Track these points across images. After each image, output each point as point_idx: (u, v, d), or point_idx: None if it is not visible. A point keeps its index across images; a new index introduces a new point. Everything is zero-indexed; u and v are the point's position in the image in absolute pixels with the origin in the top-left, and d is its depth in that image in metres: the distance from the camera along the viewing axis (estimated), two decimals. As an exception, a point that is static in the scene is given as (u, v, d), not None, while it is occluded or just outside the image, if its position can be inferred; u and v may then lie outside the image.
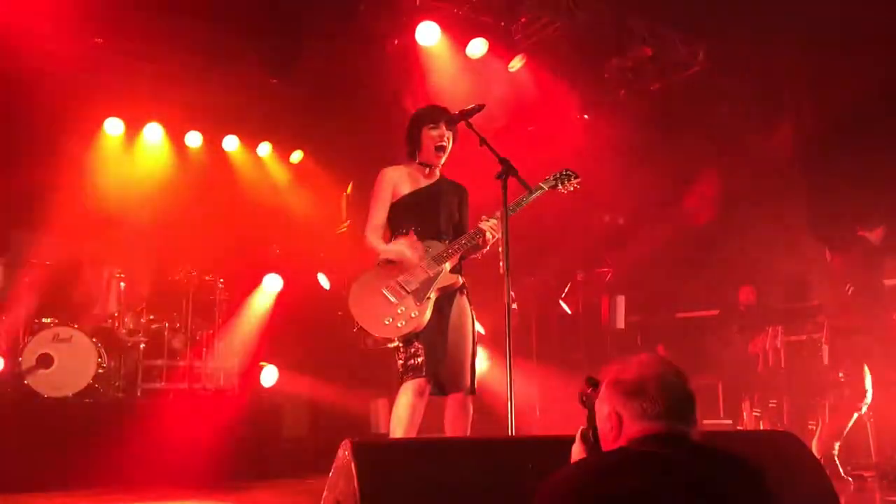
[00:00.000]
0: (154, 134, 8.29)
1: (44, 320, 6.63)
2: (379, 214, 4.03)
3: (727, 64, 7.64)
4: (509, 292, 3.43)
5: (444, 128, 4.02)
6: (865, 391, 5.98)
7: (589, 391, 2.01)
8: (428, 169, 4.11)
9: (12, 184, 7.19)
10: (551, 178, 4.04)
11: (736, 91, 7.86)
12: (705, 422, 7.60)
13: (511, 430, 3.28)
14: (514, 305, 6.90)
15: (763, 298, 7.68)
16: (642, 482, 1.66)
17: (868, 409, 6.21)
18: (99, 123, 8.01)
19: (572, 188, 4.07)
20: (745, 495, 1.73)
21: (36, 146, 7.30)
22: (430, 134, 4.03)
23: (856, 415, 6.00)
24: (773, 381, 7.19)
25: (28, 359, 6.25)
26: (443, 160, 4.09)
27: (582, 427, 2.03)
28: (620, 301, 8.26)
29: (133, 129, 8.21)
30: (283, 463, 6.48)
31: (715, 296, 8.13)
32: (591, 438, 1.98)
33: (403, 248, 3.88)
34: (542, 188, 3.98)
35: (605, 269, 8.51)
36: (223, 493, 5.44)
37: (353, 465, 2.11)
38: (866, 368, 6.01)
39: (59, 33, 6.81)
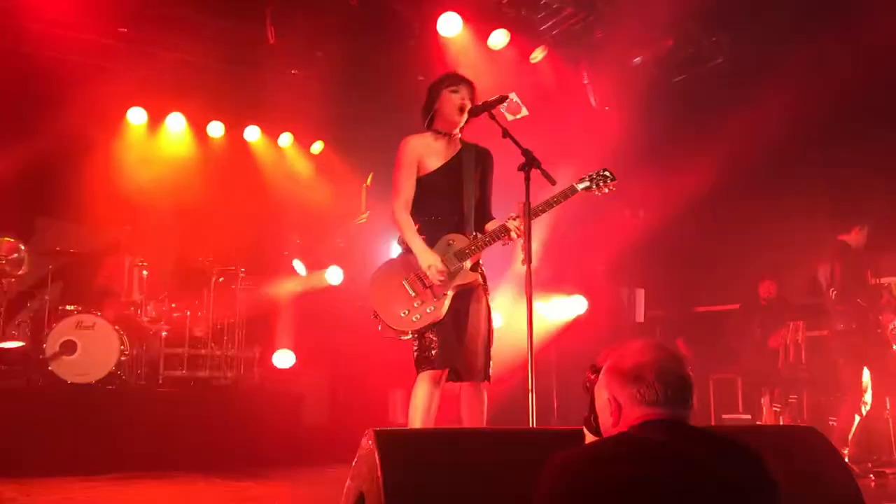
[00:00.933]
0: (176, 123, 8.36)
1: (67, 307, 6.73)
2: (407, 187, 3.93)
3: (750, 57, 7.56)
4: (531, 285, 3.42)
5: (464, 92, 3.92)
6: (864, 391, 5.98)
7: (592, 377, 2.01)
8: (448, 137, 4.01)
9: (37, 172, 7.27)
10: (586, 178, 3.85)
11: (758, 84, 7.77)
12: (724, 416, 7.56)
13: (532, 422, 3.29)
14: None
15: (784, 293, 7.61)
16: (641, 468, 1.66)
17: (891, 406, 6.18)
18: (122, 113, 8.08)
19: (607, 190, 3.85)
20: (746, 481, 1.72)
21: (60, 135, 7.37)
22: (451, 97, 3.93)
23: (857, 417, 5.99)
24: (794, 376, 7.13)
25: (52, 345, 6.35)
26: (463, 122, 3.95)
27: (584, 415, 2.04)
28: (640, 294, 8.21)
29: (156, 118, 8.28)
30: (302, 451, 6.51)
31: (735, 290, 8.05)
32: (593, 423, 1.99)
33: (428, 257, 3.78)
34: (575, 189, 3.81)
35: (625, 262, 8.45)
36: (243, 480, 5.47)
37: (376, 453, 2.11)
38: (865, 370, 6.00)
39: (82, 22, 6.87)
